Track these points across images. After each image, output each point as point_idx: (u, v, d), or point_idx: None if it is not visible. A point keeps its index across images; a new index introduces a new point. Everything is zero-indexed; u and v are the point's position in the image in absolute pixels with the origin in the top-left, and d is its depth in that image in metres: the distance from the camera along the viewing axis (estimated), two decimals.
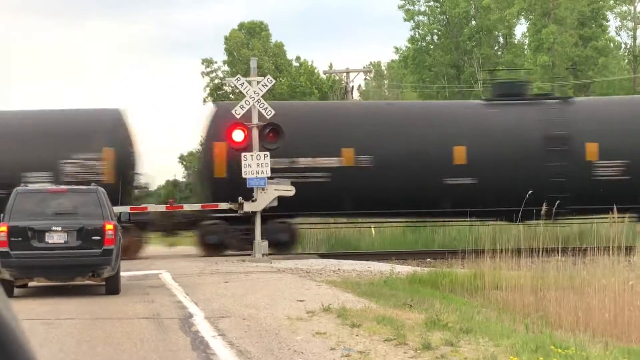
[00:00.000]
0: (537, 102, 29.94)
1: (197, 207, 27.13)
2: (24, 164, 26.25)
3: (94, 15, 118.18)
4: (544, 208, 24.57)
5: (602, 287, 15.12)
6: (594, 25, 59.66)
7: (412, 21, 64.68)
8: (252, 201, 25.34)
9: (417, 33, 65.16)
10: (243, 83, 25.19)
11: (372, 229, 33.53)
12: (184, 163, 63.64)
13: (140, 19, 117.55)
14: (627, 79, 59.28)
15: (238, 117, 25.04)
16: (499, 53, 65.03)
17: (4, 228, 16.00)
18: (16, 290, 16.72)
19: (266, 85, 25.26)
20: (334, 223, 33.24)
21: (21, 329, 1.36)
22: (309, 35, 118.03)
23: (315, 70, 67.38)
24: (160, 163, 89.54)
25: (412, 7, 64.45)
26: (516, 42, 65.41)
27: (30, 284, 17.22)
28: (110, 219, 16.54)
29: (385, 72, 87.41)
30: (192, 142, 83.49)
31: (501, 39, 65.97)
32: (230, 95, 63.32)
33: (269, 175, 24.94)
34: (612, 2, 61.07)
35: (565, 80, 56.06)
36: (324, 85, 66.18)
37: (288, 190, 25.72)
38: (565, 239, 25.88)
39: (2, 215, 16.35)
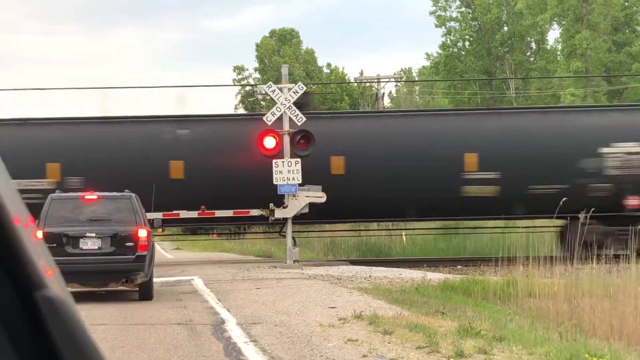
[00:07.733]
0: None
1: (228, 213, 27.07)
2: None
3: (123, 23, 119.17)
4: None
5: (637, 294, 14.96)
6: (627, 31, 59.15)
7: (443, 27, 64.51)
8: (283, 207, 25.39)
9: (448, 39, 64.95)
10: (274, 90, 25.27)
11: (404, 236, 33.45)
12: None
13: (170, 26, 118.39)
14: None
15: (269, 124, 25.11)
16: (531, 59, 64.64)
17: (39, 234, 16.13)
18: None
19: (297, 92, 25.32)
20: (365, 229, 33.19)
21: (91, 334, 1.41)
22: (339, 41, 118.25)
23: (346, 77, 67.35)
24: None
25: (443, 13, 64.29)
26: (549, 48, 64.98)
27: None
28: (143, 225, 16.66)
29: (416, 78, 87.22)
30: None
31: (533, 45, 65.57)
32: (262, 102, 63.47)
33: (300, 181, 24.96)
34: None
35: (598, 86, 55.59)
36: (354, 92, 66.15)
37: (319, 196, 25.70)
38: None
39: (37, 221, 16.53)
